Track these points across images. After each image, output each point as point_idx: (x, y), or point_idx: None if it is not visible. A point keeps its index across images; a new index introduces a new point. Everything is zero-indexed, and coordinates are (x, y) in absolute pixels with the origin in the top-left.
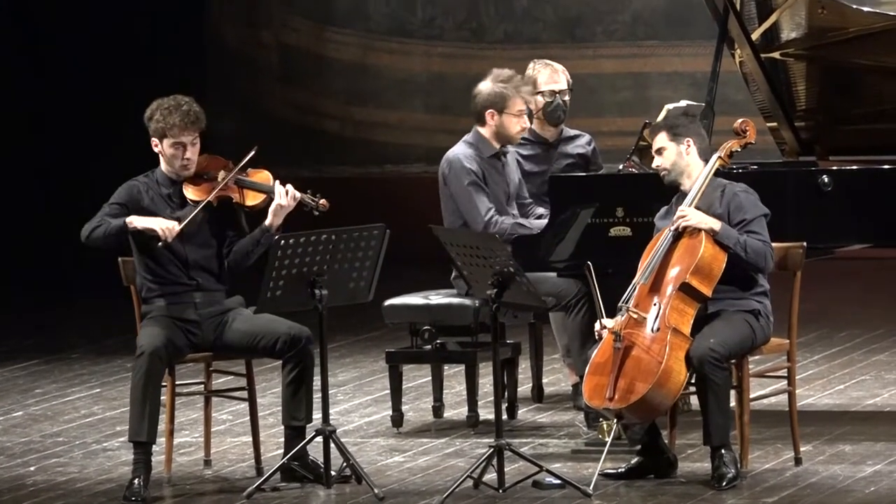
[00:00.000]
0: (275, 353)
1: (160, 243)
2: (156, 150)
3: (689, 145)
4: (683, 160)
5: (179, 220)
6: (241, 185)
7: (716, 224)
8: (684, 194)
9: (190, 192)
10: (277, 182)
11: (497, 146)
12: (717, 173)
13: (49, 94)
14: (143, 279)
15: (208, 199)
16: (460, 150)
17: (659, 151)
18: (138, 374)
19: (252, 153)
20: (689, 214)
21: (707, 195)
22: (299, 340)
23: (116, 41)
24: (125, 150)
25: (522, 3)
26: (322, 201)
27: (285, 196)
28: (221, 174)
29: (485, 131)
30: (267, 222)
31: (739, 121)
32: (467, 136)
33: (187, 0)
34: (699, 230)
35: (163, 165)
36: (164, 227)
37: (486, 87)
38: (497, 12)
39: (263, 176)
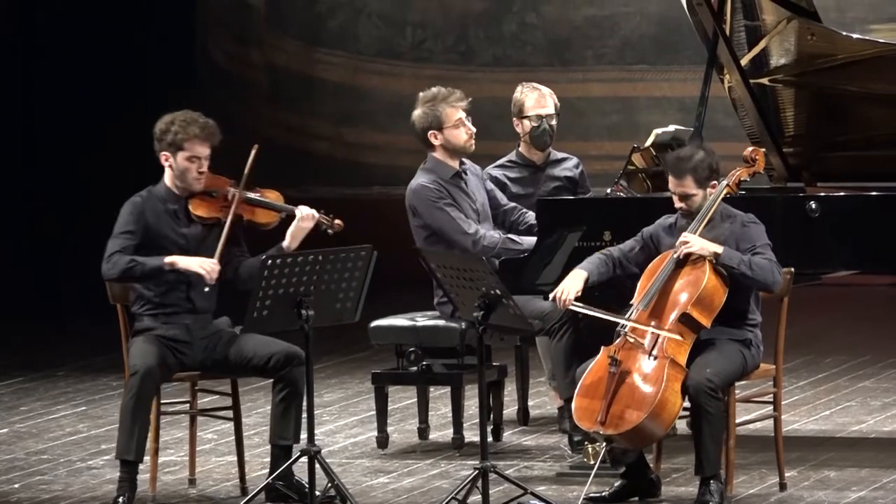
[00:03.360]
0: (266, 372)
1: (206, 288)
2: (165, 163)
3: (714, 186)
4: (706, 199)
5: (186, 237)
6: (254, 203)
7: (718, 248)
8: (693, 216)
9: (198, 210)
10: (300, 207)
11: (455, 164)
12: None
13: (38, 114)
14: (139, 294)
15: (230, 218)
16: (421, 179)
17: (686, 198)
18: (130, 394)
19: (254, 153)
20: (691, 241)
21: (715, 223)
22: (291, 360)
23: (106, 61)
24: (115, 169)
25: (511, 27)
26: (337, 221)
27: (309, 219)
28: (231, 192)
29: (437, 154)
30: (285, 243)
31: (750, 149)
32: (424, 165)
33: (177, 20)
34: (702, 258)
35: (168, 180)
36: (208, 267)
37: (416, 113)
38: (486, 35)
39: (275, 195)
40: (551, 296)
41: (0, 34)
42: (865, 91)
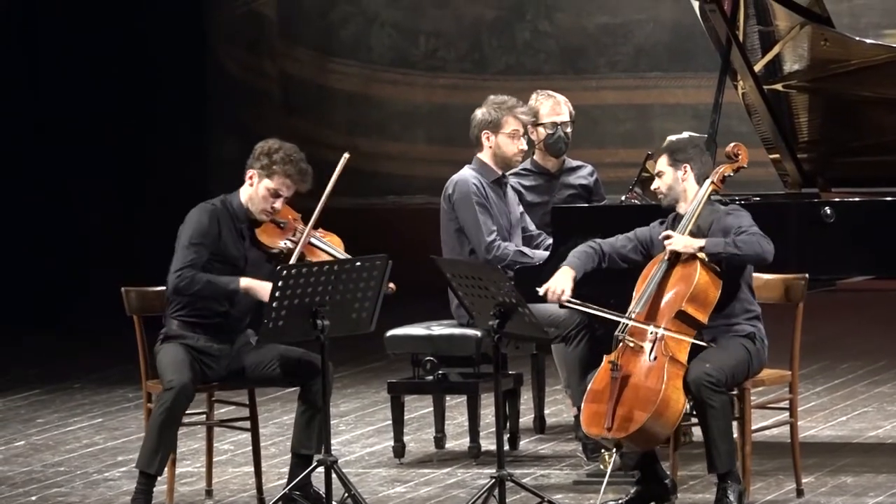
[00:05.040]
0: (294, 381)
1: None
2: (248, 181)
3: (685, 171)
4: (679, 185)
5: (246, 259)
6: (317, 247)
7: (700, 242)
8: (681, 217)
9: (262, 236)
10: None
11: (498, 171)
12: (722, 201)
13: (49, 120)
14: (177, 300)
15: (294, 256)
16: (466, 173)
17: (658, 175)
18: (162, 408)
19: (340, 166)
20: (673, 238)
21: (704, 220)
22: (318, 370)
23: (118, 70)
24: (130, 179)
25: (524, 35)
26: (391, 285)
27: None
28: (300, 227)
29: (484, 156)
30: None
31: (731, 145)
32: (470, 164)
33: (189, 29)
34: (692, 257)
35: (244, 197)
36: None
37: (480, 111)
38: (499, 44)
39: (337, 241)
40: (541, 291)
41: (8, 48)
42: (879, 96)
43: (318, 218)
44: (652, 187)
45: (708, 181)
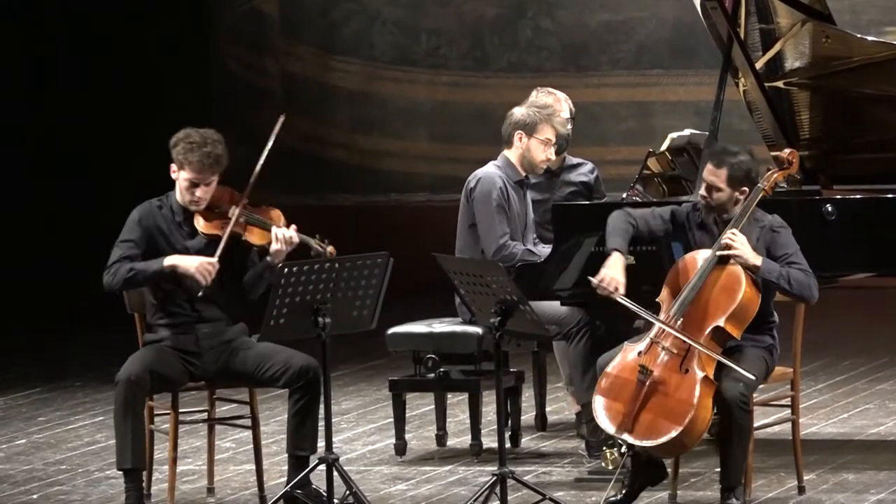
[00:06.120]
0: (283, 383)
1: (201, 292)
2: (173, 176)
3: (743, 194)
4: (731, 205)
5: (188, 250)
6: (250, 223)
7: (758, 260)
8: (724, 221)
9: (201, 225)
10: (275, 227)
11: (522, 173)
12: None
13: (53, 122)
14: (151, 305)
15: (224, 236)
16: (491, 171)
17: (713, 188)
18: (117, 403)
19: (279, 125)
20: (738, 244)
21: (746, 227)
22: (308, 371)
23: (120, 71)
24: (131, 179)
25: (526, 32)
26: (330, 248)
27: (283, 242)
28: (232, 209)
29: (511, 155)
30: (269, 259)
31: (787, 151)
32: (495, 161)
33: (191, 28)
34: (738, 267)
35: (177, 193)
36: (203, 268)
37: (520, 110)
38: (501, 41)
39: (274, 214)
40: (594, 282)
41: (11, 44)
42: (881, 93)
43: (251, 192)
44: (700, 193)
45: (759, 186)
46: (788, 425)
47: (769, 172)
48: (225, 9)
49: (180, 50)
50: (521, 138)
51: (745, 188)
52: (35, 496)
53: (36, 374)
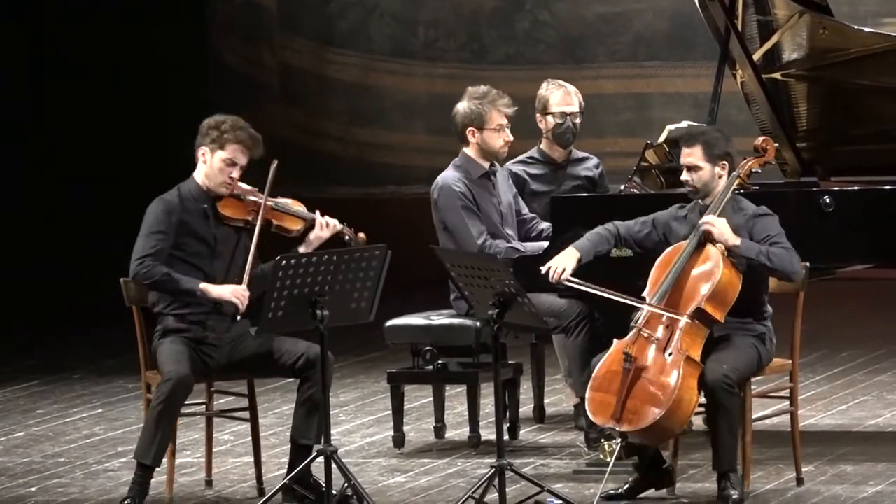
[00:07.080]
0: (294, 372)
1: (238, 316)
2: (201, 159)
3: (724, 168)
4: (715, 181)
5: (215, 238)
6: (281, 210)
7: (736, 240)
8: (703, 207)
9: (226, 210)
10: (318, 212)
11: (485, 165)
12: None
13: (53, 122)
14: (164, 296)
15: (259, 223)
16: (449, 175)
17: (692, 168)
18: (160, 399)
19: (274, 168)
20: (716, 223)
21: (727, 214)
22: (318, 360)
23: (117, 64)
24: (130, 171)
25: (524, 24)
26: (360, 235)
27: (326, 227)
28: (254, 197)
29: (470, 151)
30: (301, 249)
31: (760, 139)
32: (455, 160)
33: (189, 20)
34: (717, 251)
35: (199, 178)
36: (238, 294)
37: (462, 105)
38: (499, 34)
39: (298, 203)
40: (543, 270)
41: (11, 44)
42: (878, 85)
43: (272, 187)
44: (682, 178)
45: (735, 174)
46: (787, 417)
47: (744, 160)
48: (222, 1)
49: (178, 42)
50: (473, 134)
51: (725, 162)
52: (33, 489)
53: (34, 367)
